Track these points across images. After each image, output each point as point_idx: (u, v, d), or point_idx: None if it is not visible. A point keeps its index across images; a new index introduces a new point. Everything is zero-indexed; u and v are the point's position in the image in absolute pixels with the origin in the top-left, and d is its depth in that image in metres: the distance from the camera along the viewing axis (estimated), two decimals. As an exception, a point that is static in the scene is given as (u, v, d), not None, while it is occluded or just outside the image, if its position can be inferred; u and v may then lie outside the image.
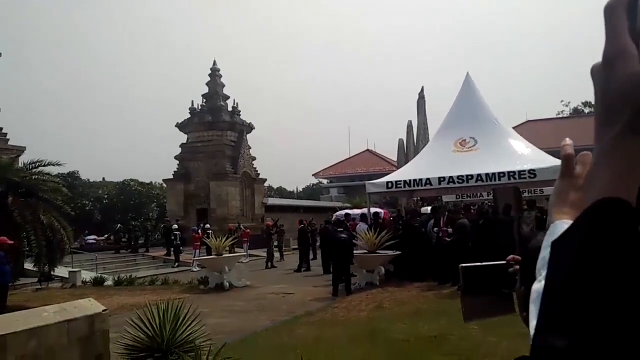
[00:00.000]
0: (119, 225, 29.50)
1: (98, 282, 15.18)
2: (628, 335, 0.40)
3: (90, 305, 5.32)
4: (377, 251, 12.27)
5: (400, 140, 27.68)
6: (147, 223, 29.06)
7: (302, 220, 20.95)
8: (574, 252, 0.44)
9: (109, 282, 15.23)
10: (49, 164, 13.65)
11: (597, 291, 0.42)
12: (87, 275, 16.42)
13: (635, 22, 0.47)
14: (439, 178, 13.54)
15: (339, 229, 12.26)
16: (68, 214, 13.56)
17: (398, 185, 14.31)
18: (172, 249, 22.15)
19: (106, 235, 31.12)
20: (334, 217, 21.75)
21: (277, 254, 21.97)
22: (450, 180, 13.38)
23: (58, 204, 12.99)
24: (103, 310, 5.34)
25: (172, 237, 22.60)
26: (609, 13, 0.48)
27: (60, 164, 13.93)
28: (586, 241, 0.44)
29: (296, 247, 25.32)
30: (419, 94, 29.59)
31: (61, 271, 15.79)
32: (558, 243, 0.46)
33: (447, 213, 12.68)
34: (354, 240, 12.45)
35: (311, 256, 19.46)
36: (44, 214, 12.21)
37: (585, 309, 0.41)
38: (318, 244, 19.53)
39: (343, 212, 23.25)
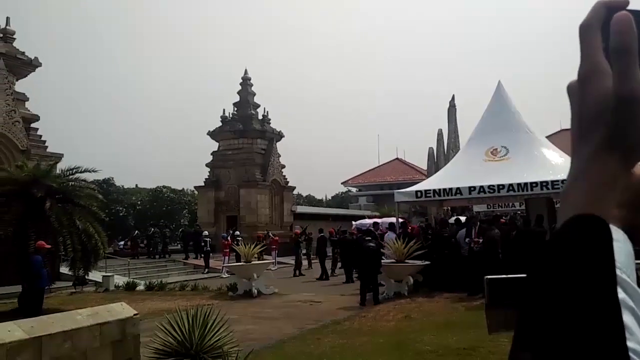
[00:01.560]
0: (136, 231, 29.26)
1: (130, 287, 15.48)
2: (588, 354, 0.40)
3: (122, 310, 5.44)
4: (406, 261, 12.17)
5: (431, 149, 27.42)
6: (165, 229, 29.14)
7: (322, 229, 21.03)
8: (546, 269, 0.45)
9: (140, 287, 15.52)
10: (85, 171, 14.07)
11: (562, 309, 0.42)
12: (119, 280, 16.76)
13: (609, 41, 0.47)
14: (470, 188, 13.40)
15: (367, 238, 12.21)
16: (102, 220, 13.90)
17: (428, 195, 14.21)
18: (202, 255, 22.43)
19: (124, 242, 30.58)
20: (353, 226, 21.84)
21: (305, 262, 22.01)
22: (481, 190, 13.23)
23: (93, 210, 13.33)
24: (134, 315, 5.45)
25: (203, 244, 22.90)
26: (584, 32, 0.48)
27: (95, 171, 14.34)
28: (559, 259, 0.44)
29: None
30: (450, 102, 29.32)
31: (95, 275, 16.18)
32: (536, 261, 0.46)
33: (478, 223, 12.48)
34: (382, 250, 12.38)
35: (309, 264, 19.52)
36: (80, 220, 12.56)
37: (549, 326, 0.42)
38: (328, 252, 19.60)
39: (364, 221, 23.29)
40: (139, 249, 26.85)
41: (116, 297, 13.50)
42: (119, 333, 5.25)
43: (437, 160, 26.61)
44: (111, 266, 19.57)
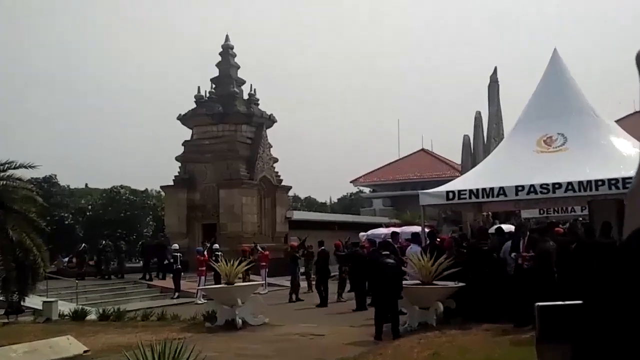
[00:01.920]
0: (83, 244, 28.81)
1: (79, 316, 15.53)
2: None
3: (69, 345, 5.47)
4: (434, 282, 12.17)
5: (466, 137, 27.42)
6: (120, 242, 29.18)
7: (322, 240, 21.07)
8: (608, 297, 0.46)
9: (92, 316, 15.57)
10: (20, 167, 14.09)
11: (620, 319, 0.43)
12: (65, 307, 16.81)
13: None
14: (517, 187, 13.42)
15: (384, 252, 12.22)
16: (43, 230, 13.95)
17: (462, 196, 14.22)
18: (172, 274, 22.51)
19: (67, 258, 30.37)
20: (364, 238, 21.92)
21: (304, 284, 22.04)
22: (532, 189, 13.24)
23: (31, 217, 13.39)
24: (85, 352, 5.49)
25: (171, 260, 22.99)
26: None
27: (34, 167, 14.39)
28: (624, 283, 0.45)
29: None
30: (491, 77, 29.34)
31: (34, 301, 16.22)
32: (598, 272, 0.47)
33: (528, 233, 12.49)
34: (403, 268, 12.40)
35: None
36: (14, 230, 12.62)
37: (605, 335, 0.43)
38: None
39: (378, 230, 23.41)
40: (86, 267, 26.82)
41: (61, 328, 13.47)
42: (65, 375, 5.28)
43: (475, 151, 26.63)
44: (54, 289, 19.65)
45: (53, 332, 12.09)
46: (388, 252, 12.21)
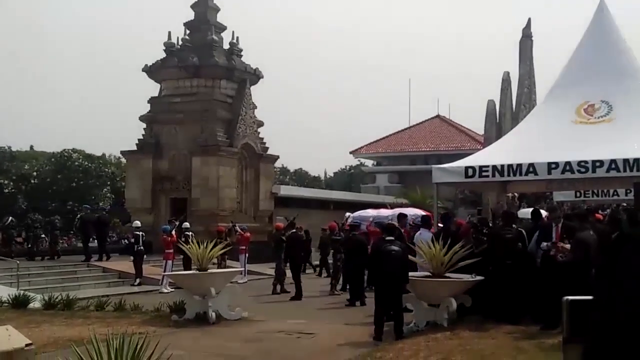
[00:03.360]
0: (10, 218, 28.43)
1: (20, 303, 15.55)
2: None
3: (7, 337, 5.47)
4: (447, 274, 12.22)
5: (491, 103, 27.40)
6: (55, 217, 29.06)
7: (293, 222, 21.08)
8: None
9: (36, 304, 15.60)
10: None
11: None
12: (3, 291, 16.85)
13: None
14: (550, 164, 13.40)
15: (387, 238, 12.24)
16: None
17: (484, 173, 14.19)
18: (132, 258, 22.57)
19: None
20: (348, 220, 21.94)
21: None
22: (567, 167, 13.22)
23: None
24: (27, 345, 5.49)
25: (132, 241, 23.02)
26: None
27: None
28: None
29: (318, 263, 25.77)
30: (524, 30, 29.23)
31: (-34, 284, 16.25)
32: None
33: (562, 219, 12.50)
34: (411, 257, 12.44)
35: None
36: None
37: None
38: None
39: (379, 212, 23.43)
40: (13, 245, 26.72)
41: (-2, 317, 13.59)
42: (3, 372, 5.29)
43: (501, 120, 26.65)
44: (-10, 270, 19.69)
45: (-11, 322, 12.17)
46: (392, 238, 12.19)
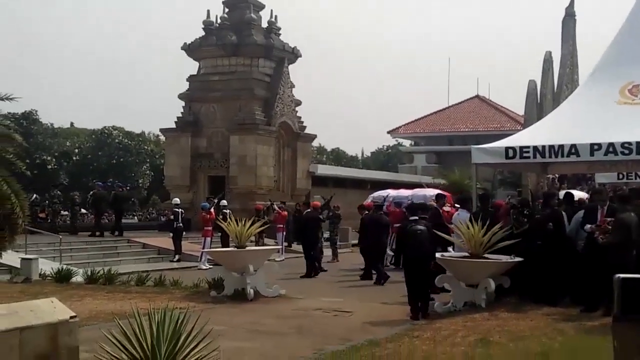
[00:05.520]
0: (34, 195, 29.25)
1: (63, 277, 15.84)
2: None
3: (52, 310, 5.55)
4: (485, 255, 12.16)
5: (532, 83, 27.10)
6: (74, 193, 29.41)
7: (307, 201, 21.23)
8: None
9: (78, 278, 15.88)
10: (-5, 98, 14.18)
11: None
12: (47, 266, 17.16)
13: None
14: (592, 145, 13.26)
15: (412, 218, 12.27)
16: (23, 174, 14.10)
17: (525, 154, 14.09)
18: (171, 234, 22.81)
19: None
20: (369, 200, 22.08)
21: (328, 251, 22.20)
22: (610, 149, 13.08)
23: (8, 158, 13.52)
24: (71, 318, 5.57)
25: (172, 217, 23.27)
26: None
27: (11, 99, 14.44)
28: None
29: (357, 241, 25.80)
30: (567, 9, 28.79)
31: (10, 258, 16.53)
32: None
33: (608, 202, 12.33)
34: (437, 235, 12.48)
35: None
36: (-12, 173, 12.76)
37: None
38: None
39: (382, 192, 23.54)
40: (37, 220, 27.19)
41: (42, 290, 13.83)
42: (48, 343, 5.37)
43: (542, 100, 26.37)
44: (34, 245, 20.03)
45: (33, 294, 12.38)
46: (416, 218, 12.21)
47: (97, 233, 25.54)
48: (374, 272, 17.21)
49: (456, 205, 16.40)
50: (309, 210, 20.30)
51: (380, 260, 17.50)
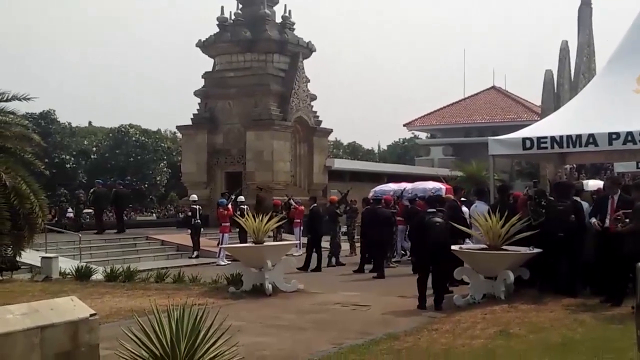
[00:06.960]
0: (80, 191, 29.71)
1: (83, 275, 15.94)
2: None
3: (72, 308, 5.59)
4: (504, 247, 12.11)
5: (548, 73, 26.93)
6: (79, 191, 29.56)
7: (314, 197, 21.33)
8: None
9: (98, 276, 15.97)
10: (13, 99, 14.29)
11: None
12: (67, 264, 17.27)
13: None
14: (610, 134, 13.16)
15: (429, 210, 12.31)
16: (41, 174, 14.20)
17: (542, 145, 13.99)
18: (190, 231, 22.89)
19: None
20: (371, 194, 22.14)
21: (345, 245, 22.18)
22: (629, 138, 12.98)
23: (27, 158, 13.64)
24: (91, 315, 5.61)
25: (189, 214, 23.34)
26: None
27: (29, 99, 14.56)
28: None
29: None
30: (583, -1, 28.52)
31: (31, 257, 16.68)
32: None
33: (619, 191, 12.23)
34: (455, 228, 12.52)
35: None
36: (7, 173, 12.87)
37: None
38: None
39: (384, 187, 23.66)
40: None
41: (62, 288, 13.92)
42: (69, 341, 5.41)
43: (559, 90, 26.18)
44: (54, 243, 20.16)
45: (54, 292, 12.49)
46: (434, 210, 12.27)
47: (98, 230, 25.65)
48: (365, 266, 17.62)
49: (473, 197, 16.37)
50: (314, 205, 20.41)
51: (381, 255, 17.55)
